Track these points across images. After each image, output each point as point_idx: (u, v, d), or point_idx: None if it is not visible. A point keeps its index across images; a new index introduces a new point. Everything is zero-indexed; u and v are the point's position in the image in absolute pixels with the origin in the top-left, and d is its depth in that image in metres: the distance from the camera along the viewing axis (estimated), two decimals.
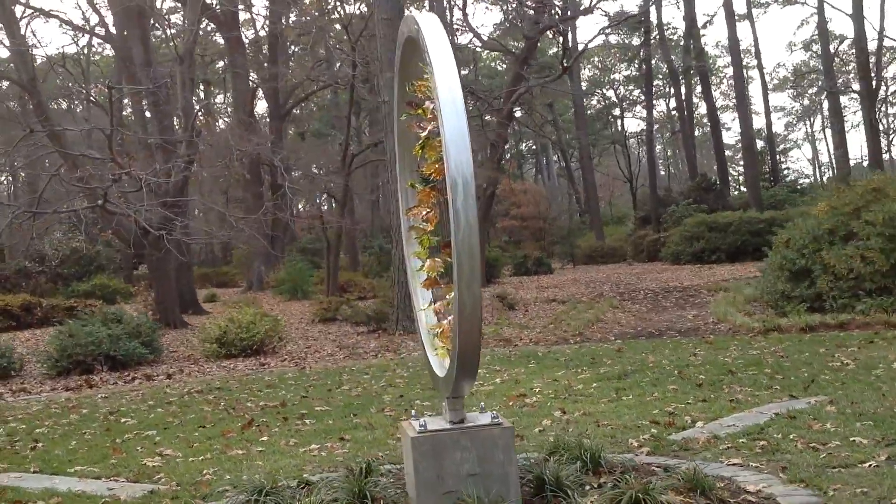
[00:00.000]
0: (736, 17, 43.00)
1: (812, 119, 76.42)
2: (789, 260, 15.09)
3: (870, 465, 5.40)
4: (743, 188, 56.28)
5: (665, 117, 67.73)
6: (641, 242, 39.68)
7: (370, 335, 16.87)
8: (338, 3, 42.05)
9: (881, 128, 52.01)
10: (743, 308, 15.94)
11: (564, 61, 24.60)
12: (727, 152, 64.14)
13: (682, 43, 48.62)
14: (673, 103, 63.68)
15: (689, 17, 44.04)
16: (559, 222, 48.20)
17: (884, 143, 52.24)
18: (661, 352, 11.66)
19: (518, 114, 33.04)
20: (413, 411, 5.59)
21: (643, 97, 60.63)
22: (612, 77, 64.80)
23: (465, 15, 29.59)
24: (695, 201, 40.76)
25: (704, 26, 48.88)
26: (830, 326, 12.91)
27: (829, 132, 74.49)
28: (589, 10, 25.35)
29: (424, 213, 5.44)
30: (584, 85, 56.45)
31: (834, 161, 59.18)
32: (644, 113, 60.65)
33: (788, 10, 59.02)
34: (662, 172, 70.47)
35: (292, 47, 43.07)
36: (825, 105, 70.99)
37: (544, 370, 10.77)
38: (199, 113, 25.77)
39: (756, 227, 33.30)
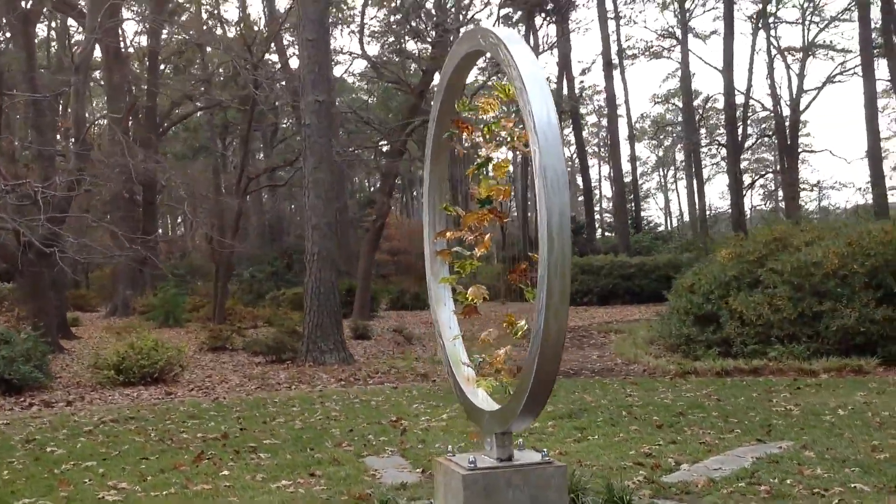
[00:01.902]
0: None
1: (666, 170, 79.29)
2: (695, 304, 15.42)
3: None
4: (606, 232, 57.80)
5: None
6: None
7: (272, 366, 16.27)
8: (217, 23, 41.49)
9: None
10: (647, 350, 16.16)
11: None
12: (581, 197, 65.93)
13: (554, 86, 49.83)
14: None
15: (563, 63, 45.17)
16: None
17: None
18: (592, 392, 11.64)
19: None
20: (449, 447, 5.29)
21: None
22: (481, 116, 65.60)
23: (361, 44, 29.33)
24: None
25: (583, 73, 50.18)
26: (744, 371, 13.19)
27: (681, 183, 78.01)
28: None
29: (471, 236, 5.19)
30: None
31: (688, 210, 61.71)
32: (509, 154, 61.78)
33: (655, 63, 61.24)
34: (530, 214, 71.52)
35: (164, 67, 41.91)
36: (678, 157, 74.31)
37: None
38: (93, 125, 24.60)
39: (627, 271, 34.34)
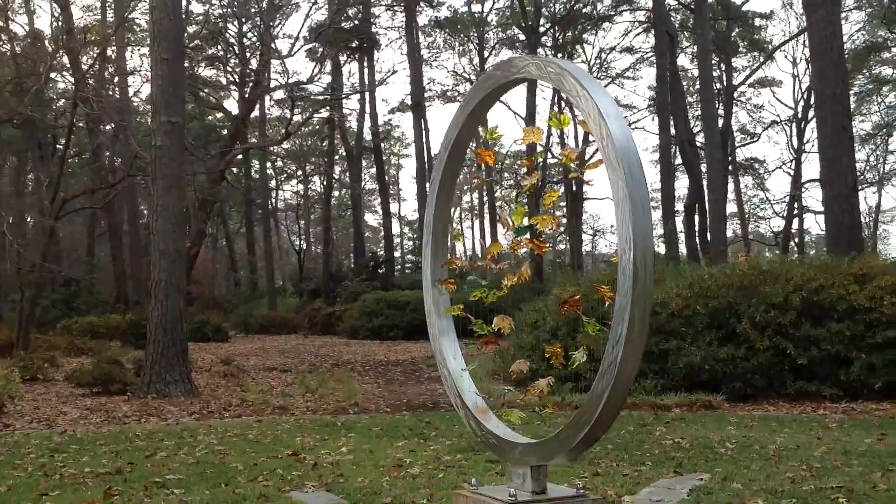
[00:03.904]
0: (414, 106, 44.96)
1: (454, 210, 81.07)
2: (542, 340, 15.79)
3: None
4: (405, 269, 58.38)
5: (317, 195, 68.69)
6: (316, 315, 39.66)
7: (102, 398, 15.30)
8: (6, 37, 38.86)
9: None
10: (494, 383, 16.34)
11: (289, 127, 24.44)
12: (367, 233, 66.60)
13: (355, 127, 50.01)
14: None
15: (369, 100, 45.52)
16: (218, 290, 47.26)
17: None
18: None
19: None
20: (473, 479, 5.15)
21: (300, 172, 61.45)
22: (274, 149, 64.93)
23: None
24: (367, 278, 41.61)
25: (392, 112, 50.76)
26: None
27: (466, 223, 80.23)
28: (310, 80, 25.45)
29: (495, 266, 5.12)
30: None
31: (481, 250, 63.37)
32: (300, 187, 61.51)
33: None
34: (314, 249, 71.07)
35: None
36: (465, 198, 76.53)
37: (375, 439, 10.38)
38: None
39: None
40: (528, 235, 4.93)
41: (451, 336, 5.57)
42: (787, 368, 13.85)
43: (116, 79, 35.95)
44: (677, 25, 45.34)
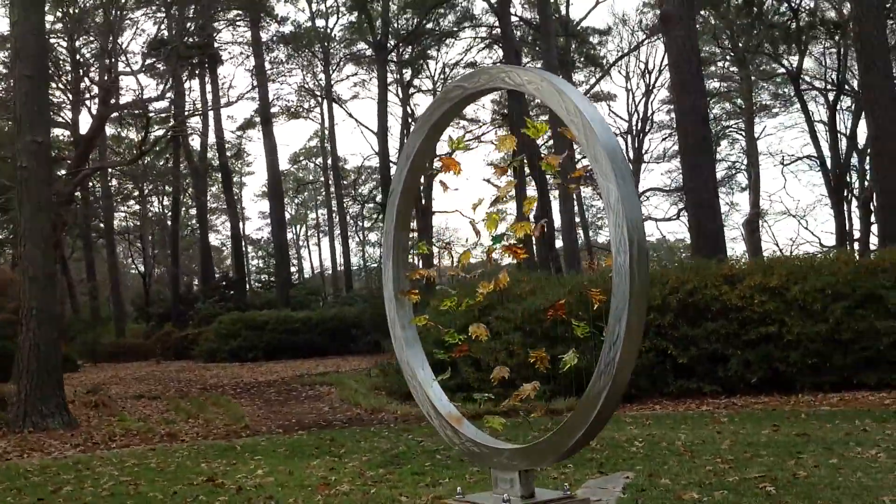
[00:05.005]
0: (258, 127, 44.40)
1: (299, 227, 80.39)
2: (426, 353, 15.86)
3: None
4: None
5: (156, 216, 66.75)
6: (168, 340, 38.53)
7: None
8: None
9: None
10: (386, 399, 16.33)
11: (143, 145, 23.72)
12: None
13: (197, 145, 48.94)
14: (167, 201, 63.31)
15: (215, 117, 44.67)
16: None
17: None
18: (374, 441, 11.57)
19: None
20: (458, 489, 5.15)
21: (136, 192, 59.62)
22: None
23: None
24: (220, 299, 40.75)
25: (242, 129, 49.85)
26: (501, 413, 13.74)
27: (314, 240, 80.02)
28: (161, 97, 24.80)
29: (468, 275, 5.17)
30: None
31: (330, 266, 63.23)
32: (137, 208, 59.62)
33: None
34: (157, 270, 68.81)
35: None
36: (312, 214, 76.42)
37: (286, 460, 10.19)
38: None
39: (293, 325, 34.16)
40: (504, 243, 4.96)
41: (418, 347, 5.59)
42: (669, 368, 14.41)
43: None
44: (517, 40, 46.37)
